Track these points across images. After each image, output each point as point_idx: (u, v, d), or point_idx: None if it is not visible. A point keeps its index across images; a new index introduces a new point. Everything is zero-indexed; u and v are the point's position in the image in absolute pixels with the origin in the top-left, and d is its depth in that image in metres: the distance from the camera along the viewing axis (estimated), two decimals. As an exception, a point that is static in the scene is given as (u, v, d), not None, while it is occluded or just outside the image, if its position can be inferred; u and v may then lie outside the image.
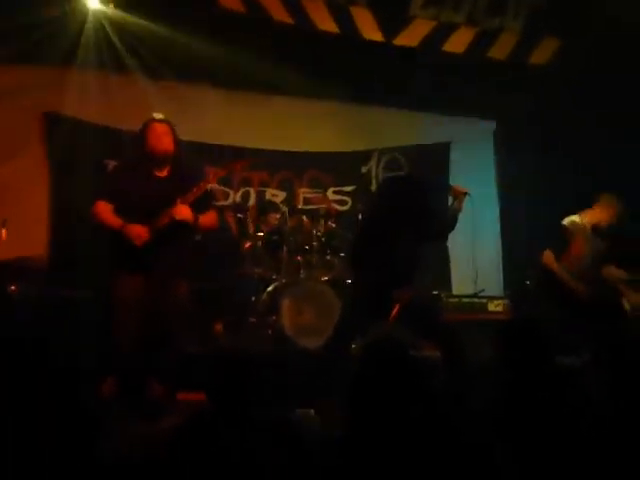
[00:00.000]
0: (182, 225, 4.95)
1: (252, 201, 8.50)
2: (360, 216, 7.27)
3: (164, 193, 4.96)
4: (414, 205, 5.03)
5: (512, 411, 3.24)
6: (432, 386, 2.85)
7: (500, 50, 7.85)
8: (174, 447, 2.88)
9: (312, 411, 4.22)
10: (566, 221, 6.38)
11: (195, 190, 4.99)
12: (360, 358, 3.05)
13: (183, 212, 4.92)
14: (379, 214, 5.17)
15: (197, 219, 5.01)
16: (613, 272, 6.55)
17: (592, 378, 3.71)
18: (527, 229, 8.64)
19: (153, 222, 4.90)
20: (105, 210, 4.96)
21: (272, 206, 7.80)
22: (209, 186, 5.26)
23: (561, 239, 6.35)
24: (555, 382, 3.37)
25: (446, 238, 5.76)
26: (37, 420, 2.68)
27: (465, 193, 5.29)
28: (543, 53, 7.94)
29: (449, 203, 5.35)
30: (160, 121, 5.08)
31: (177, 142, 5.11)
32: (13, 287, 6.03)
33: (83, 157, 7.41)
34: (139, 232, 4.86)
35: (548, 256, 6.38)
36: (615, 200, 6.37)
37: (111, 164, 7.30)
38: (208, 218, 5.18)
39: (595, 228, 6.40)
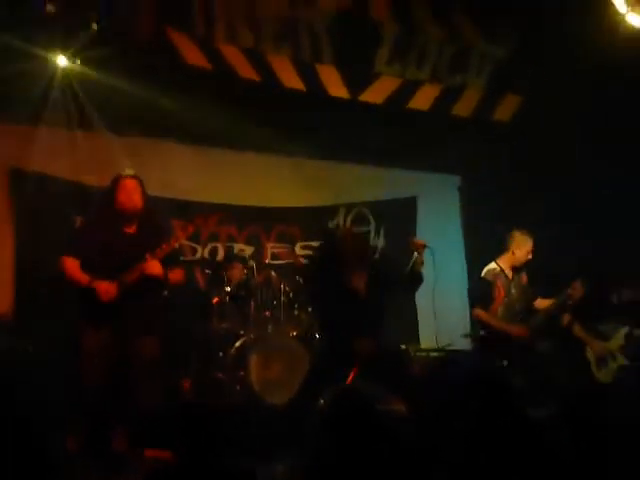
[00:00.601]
0: (150, 281, 4.94)
1: (220, 256, 8.48)
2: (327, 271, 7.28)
3: (132, 249, 4.97)
4: (376, 261, 5.08)
5: (476, 461, 3.23)
6: (399, 439, 2.84)
7: (464, 107, 8.00)
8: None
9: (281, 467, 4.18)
10: (484, 272, 6.47)
11: (165, 246, 5.00)
12: (323, 413, 3.03)
13: (153, 268, 4.92)
14: (342, 268, 5.18)
15: (166, 275, 5.01)
16: (541, 303, 6.63)
17: (557, 429, 3.72)
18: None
19: (121, 278, 4.89)
20: (72, 266, 4.95)
21: (240, 261, 7.80)
22: (178, 243, 5.27)
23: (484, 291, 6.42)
24: (520, 433, 3.37)
25: (412, 293, 5.78)
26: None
27: (423, 245, 5.31)
28: (506, 109, 8.10)
29: (413, 258, 5.37)
30: (129, 177, 5.11)
31: (146, 198, 5.13)
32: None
33: (50, 213, 7.35)
34: (107, 288, 4.85)
35: (476, 312, 6.45)
36: (527, 236, 6.50)
37: (79, 220, 7.26)
38: (176, 274, 5.19)
39: (514, 268, 6.51)
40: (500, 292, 6.35)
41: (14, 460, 2.74)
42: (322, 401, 3.14)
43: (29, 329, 6.73)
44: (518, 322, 6.34)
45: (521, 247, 6.47)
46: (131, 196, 5.04)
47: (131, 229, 5.08)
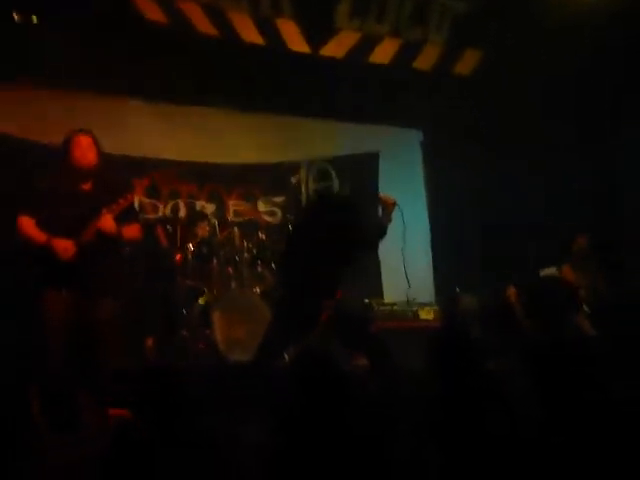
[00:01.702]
0: (107, 239, 4.89)
1: (181, 213, 8.43)
2: (290, 227, 7.27)
3: (89, 206, 4.89)
4: (340, 217, 5.05)
5: (440, 416, 3.27)
6: (360, 396, 2.85)
7: (425, 61, 8.00)
8: (98, 462, 2.85)
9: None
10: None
11: (121, 201, 4.92)
12: (286, 371, 3.05)
13: (106, 223, 4.85)
14: (305, 225, 5.16)
15: (120, 231, 4.95)
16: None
17: (517, 382, 3.77)
18: (456, 237, 8.76)
19: (79, 236, 4.82)
20: (28, 225, 4.87)
21: (202, 218, 7.76)
22: (135, 198, 5.21)
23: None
24: (482, 386, 3.42)
25: (376, 248, 5.75)
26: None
27: (394, 203, 5.26)
28: (466, 64, 8.09)
29: (379, 213, 5.34)
30: (83, 134, 5.01)
31: (100, 154, 5.05)
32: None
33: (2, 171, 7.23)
34: (65, 246, 4.78)
35: (511, 292, 6.44)
36: None
37: (33, 178, 7.13)
38: (132, 230, 5.13)
39: None
40: None
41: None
42: (286, 360, 3.16)
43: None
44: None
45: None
46: (85, 153, 4.95)
47: (87, 186, 4.99)
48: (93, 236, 4.84)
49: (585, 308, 6.19)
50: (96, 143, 5.03)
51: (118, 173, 6.16)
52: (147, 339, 6.76)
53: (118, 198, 4.93)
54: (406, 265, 5.95)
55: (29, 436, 4.01)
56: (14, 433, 3.72)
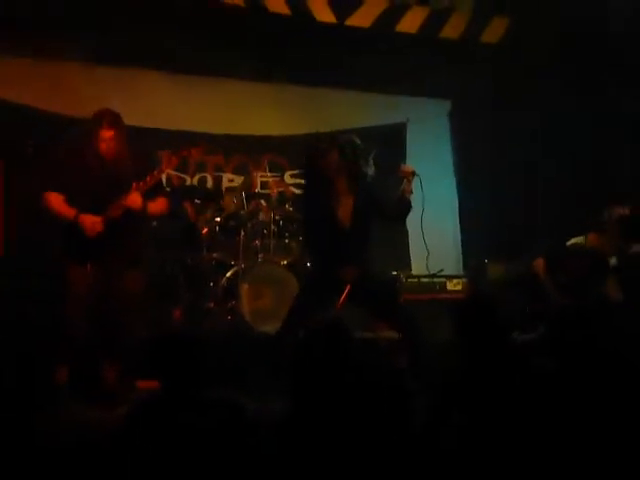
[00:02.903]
0: (134, 214, 4.92)
1: (209, 186, 8.43)
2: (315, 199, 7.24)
3: (116, 182, 4.92)
4: (364, 186, 5.01)
5: (468, 387, 3.26)
6: (384, 366, 2.84)
7: (452, 30, 7.91)
8: (125, 433, 2.87)
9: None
10: None
11: (149, 179, 4.96)
12: (304, 343, 3.03)
13: (134, 200, 4.88)
14: (330, 197, 5.10)
15: (146, 207, 4.97)
16: None
17: (546, 353, 3.76)
18: (485, 208, 8.69)
19: (107, 212, 4.85)
20: (57, 201, 4.91)
21: (229, 191, 7.74)
22: (161, 174, 5.21)
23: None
24: (510, 358, 3.40)
25: (401, 221, 5.69)
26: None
27: (413, 173, 5.18)
28: (494, 32, 7.99)
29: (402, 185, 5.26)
30: (108, 126, 4.93)
31: (125, 139, 5.03)
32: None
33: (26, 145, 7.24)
34: (92, 222, 4.83)
35: (539, 262, 6.37)
36: None
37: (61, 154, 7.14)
38: (158, 204, 5.15)
39: None
40: None
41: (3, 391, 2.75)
42: (306, 331, 3.15)
43: (18, 265, 6.72)
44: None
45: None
46: (110, 145, 4.94)
47: (114, 162, 5.01)
48: (120, 212, 4.87)
49: (612, 276, 6.13)
50: (120, 131, 4.99)
51: (145, 146, 6.17)
52: (174, 312, 6.81)
53: (146, 174, 4.95)
54: (433, 236, 5.92)
55: (57, 408, 4.07)
56: (43, 405, 3.76)
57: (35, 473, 2.56)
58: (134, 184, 4.89)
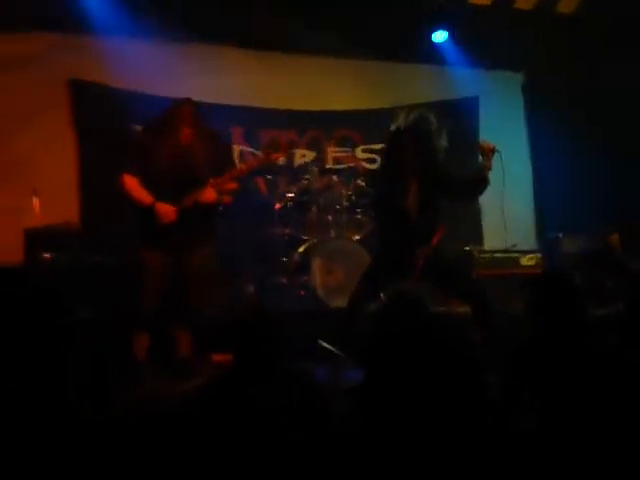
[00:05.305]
0: (206, 204, 5.00)
1: (281, 162, 8.46)
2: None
3: (193, 172, 4.97)
4: (438, 161, 4.96)
5: (543, 363, 3.22)
6: (458, 341, 2.82)
7: (526, 0, 7.73)
8: (198, 405, 2.91)
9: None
10: None
11: (227, 176, 5.03)
12: (376, 316, 3.03)
13: (209, 196, 4.95)
14: (402, 172, 5.05)
15: (221, 200, 5.06)
16: None
17: (624, 328, 3.68)
18: (559, 182, 8.55)
19: (182, 202, 4.92)
20: (133, 185, 4.98)
21: (301, 166, 7.76)
22: (235, 147, 5.26)
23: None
24: (587, 333, 3.34)
25: (477, 197, 5.61)
26: (67, 371, 2.71)
27: (493, 149, 5.07)
28: (569, 3, 7.81)
29: (479, 160, 5.17)
30: (188, 126, 5.01)
31: (205, 133, 5.10)
32: (47, 255, 6.06)
33: (110, 123, 7.40)
34: (167, 212, 4.90)
35: (614, 237, 6.27)
36: None
37: (138, 129, 7.26)
38: (229, 198, 5.22)
39: None
40: None
41: (81, 366, 2.81)
42: (385, 302, 3.14)
43: (96, 241, 6.85)
44: None
45: None
46: (191, 137, 5.01)
47: (191, 150, 5.05)
48: (193, 203, 4.95)
49: None
50: (201, 123, 5.07)
51: (219, 123, 6.22)
52: (248, 286, 6.88)
53: (225, 168, 5.03)
54: (506, 211, 5.85)
55: (135, 381, 4.15)
56: (121, 377, 3.83)
57: (112, 444, 2.62)
58: (211, 180, 4.96)
